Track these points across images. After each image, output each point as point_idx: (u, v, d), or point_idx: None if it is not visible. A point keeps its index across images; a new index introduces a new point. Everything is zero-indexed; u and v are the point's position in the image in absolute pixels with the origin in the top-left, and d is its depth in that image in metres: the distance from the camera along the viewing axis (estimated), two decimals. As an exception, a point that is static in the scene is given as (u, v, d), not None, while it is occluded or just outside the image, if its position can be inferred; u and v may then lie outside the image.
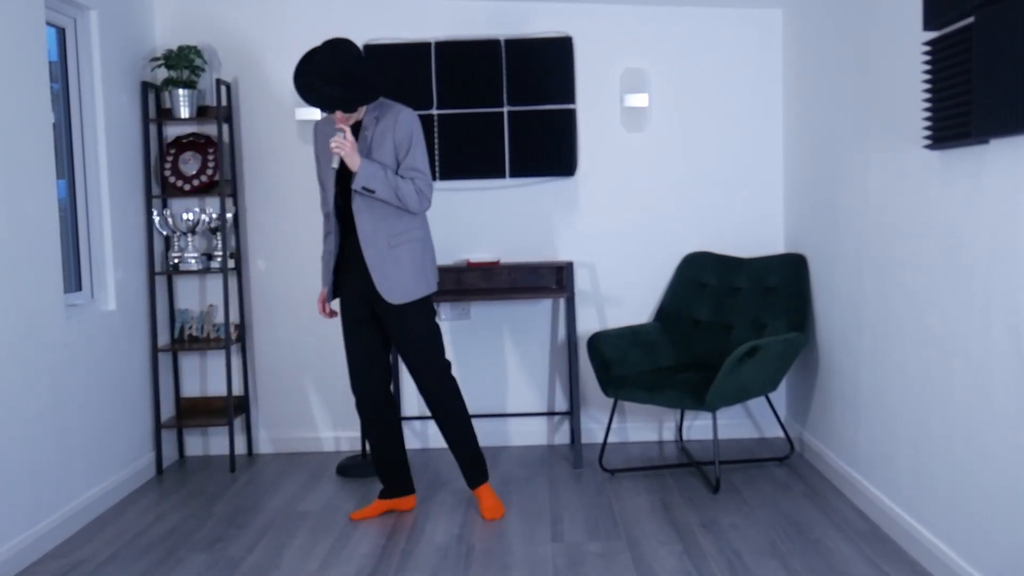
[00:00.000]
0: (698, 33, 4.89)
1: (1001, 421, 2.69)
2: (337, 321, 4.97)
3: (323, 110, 3.55)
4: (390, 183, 3.54)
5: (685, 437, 5.03)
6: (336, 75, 3.43)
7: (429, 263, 3.75)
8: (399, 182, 3.56)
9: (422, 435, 5.03)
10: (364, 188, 3.51)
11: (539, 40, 4.86)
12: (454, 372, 4.84)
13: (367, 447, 4.96)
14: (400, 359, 3.85)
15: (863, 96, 3.73)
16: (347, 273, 3.75)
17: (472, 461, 3.88)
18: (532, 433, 5.04)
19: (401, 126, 3.60)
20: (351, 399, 4.99)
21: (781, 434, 4.96)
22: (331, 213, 3.71)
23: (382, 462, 3.90)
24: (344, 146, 3.47)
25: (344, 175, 3.64)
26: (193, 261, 4.78)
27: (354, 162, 3.50)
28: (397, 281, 3.62)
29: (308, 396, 5.05)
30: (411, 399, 4.98)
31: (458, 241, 4.95)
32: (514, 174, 4.89)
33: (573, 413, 4.64)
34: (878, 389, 3.64)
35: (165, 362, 4.92)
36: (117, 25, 4.48)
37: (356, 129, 3.67)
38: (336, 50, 3.47)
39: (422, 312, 3.72)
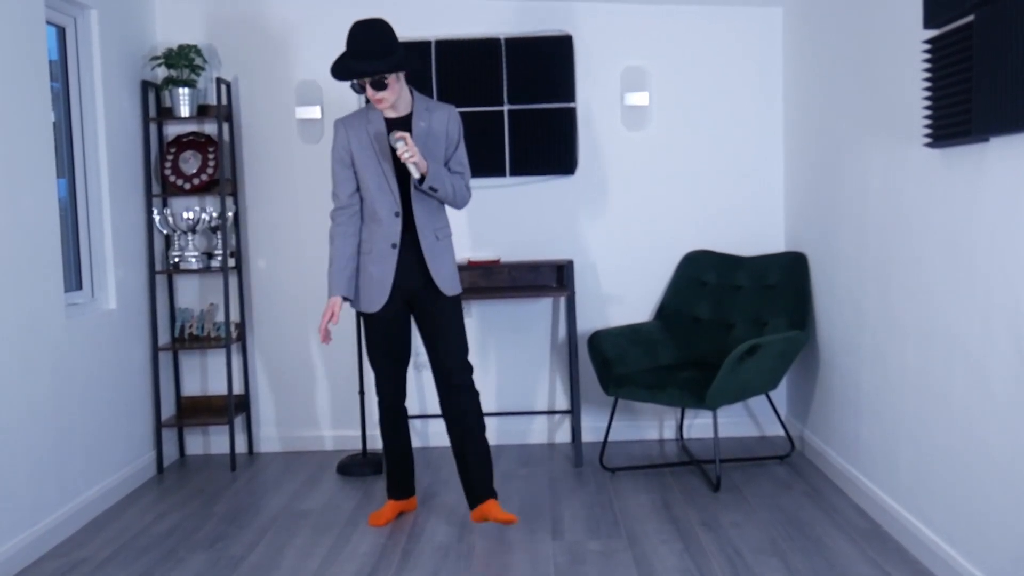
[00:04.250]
0: (698, 31, 4.89)
1: (1002, 419, 2.69)
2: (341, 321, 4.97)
3: (355, 86, 3.51)
4: (448, 182, 3.57)
5: (686, 435, 5.03)
6: (365, 49, 3.42)
7: (455, 260, 3.79)
8: (453, 179, 3.60)
9: (422, 434, 5.03)
10: (431, 188, 3.51)
11: (539, 39, 4.85)
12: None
13: (366, 446, 4.96)
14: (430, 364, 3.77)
15: (863, 94, 3.73)
16: (397, 271, 3.63)
17: (489, 474, 3.70)
18: (533, 431, 5.04)
19: (454, 122, 3.66)
20: (352, 398, 4.99)
21: (782, 432, 4.96)
22: (352, 208, 3.64)
23: (398, 466, 3.88)
24: (415, 152, 3.43)
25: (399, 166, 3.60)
26: (193, 260, 4.78)
27: (423, 165, 3.47)
28: (448, 272, 3.65)
29: (309, 395, 5.05)
30: (410, 398, 4.98)
31: (458, 240, 4.92)
32: (514, 173, 4.88)
33: (574, 411, 4.64)
34: (879, 387, 3.64)
35: (166, 361, 4.92)
36: (117, 24, 4.48)
37: (407, 121, 3.61)
38: (364, 27, 3.46)
39: (460, 307, 3.73)
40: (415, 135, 3.55)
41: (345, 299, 3.65)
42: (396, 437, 3.85)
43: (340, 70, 3.49)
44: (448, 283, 3.65)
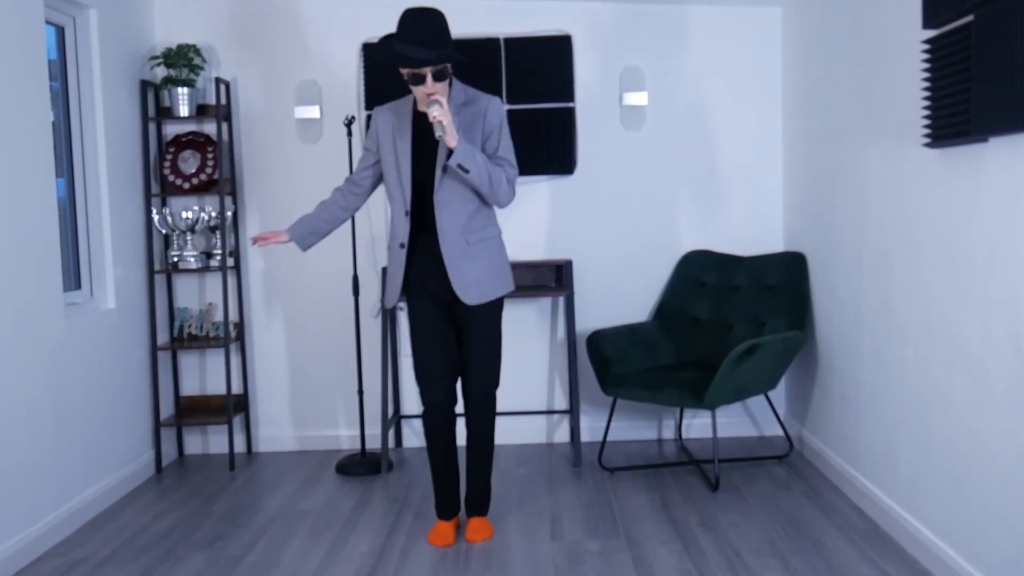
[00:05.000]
0: (697, 31, 4.89)
1: (1000, 419, 2.69)
2: (337, 319, 4.97)
3: (412, 79, 3.26)
4: (484, 167, 3.28)
5: (684, 435, 5.03)
6: (426, 36, 3.20)
7: (504, 261, 3.54)
8: (491, 167, 3.32)
9: (421, 434, 5.02)
10: (460, 166, 3.23)
11: (538, 38, 4.85)
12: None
13: (365, 446, 4.96)
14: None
15: (862, 94, 3.73)
16: (421, 272, 3.50)
17: (480, 491, 3.66)
18: (531, 431, 5.04)
19: (492, 114, 3.39)
20: (351, 398, 5.00)
21: (780, 432, 4.96)
22: (357, 185, 3.58)
23: (440, 479, 3.63)
24: (446, 115, 3.19)
25: (421, 162, 3.41)
26: (192, 260, 4.78)
27: (452, 138, 3.21)
28: (474, 281, 3.40)
29: (307, 395, 5.04)
30: (412, 397, 4.99)
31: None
32: (513, 172, 4.88)
33: (572, 411, 4.64)
34: (877, 387, 3.64)
35: (164, 360, 4.92)
36: (116, 23, 4.48)
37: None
38: (425, 13, 3.24)
39: (496, 316, 3.51)
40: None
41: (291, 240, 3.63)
42: (435, 444, 3.59)
43: (396, 56, 3.24)
44: (471, 292, 3.41)
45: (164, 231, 4.80)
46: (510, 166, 3.42)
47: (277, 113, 4.94)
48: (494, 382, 3.57)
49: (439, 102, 3.21)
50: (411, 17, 3.24)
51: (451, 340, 3.54)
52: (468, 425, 3.60)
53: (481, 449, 3.61)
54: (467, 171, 3.26)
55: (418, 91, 3.31)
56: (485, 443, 3.61)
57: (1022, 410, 2.58)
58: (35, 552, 3.59)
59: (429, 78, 3.24)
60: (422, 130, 3.41)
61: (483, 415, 3.58)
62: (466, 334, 3.51)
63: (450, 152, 3.27)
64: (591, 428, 4.97)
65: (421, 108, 3.38)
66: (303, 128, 4.94)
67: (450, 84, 3.41)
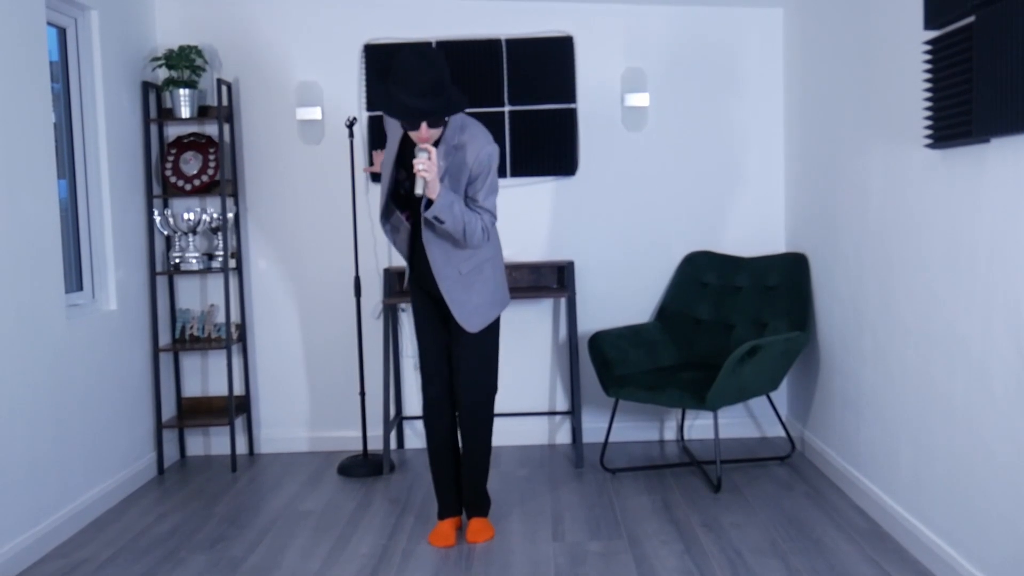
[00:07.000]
0: (699, 32, 4.89)
1: (1002, 420, 2.69)
2: (339, 320, 4.98)
3: (407, 126, 3.22)
4: (460, 219, 3.25)
5: (686, 436, 5.03)
6: (424, 86, 3.11)
7: (501, 281, 3.54)
8: (468, 217, 3.28)
9: (423, 435, 5.02)
10: (435, 218, 3.23)
11: (540, 39, 4.85)
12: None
13: (367, 447, 4.96)
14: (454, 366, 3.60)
15: (864, 95, 3.73)
16: (420, 272, 3.53)
17: (475, 495, 3.66)
18: (533, 432, 5.04)
19: (482, 161, 3.31)
20: (352, 399, 5.00)
21: (782, 433, 4.96)
22: (385, 210, 3.50)
23: (437, 476, 3.65)
24: (431, 170, 3.16)
25: (406, 180, 3.41)
26: (194, 261, 4.78)
27: (434, 190, 3.19)
28: (473, 310, 3.43)
29: (309, 396, 5.04)
30: (413, 398, 4.99)
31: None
32: (515, 174, 4.88)
33: (574, 412, 4.64)
34: (879, 388, 3.64)
35: (166, 362, 4.92)
36: (118, 25, 4.48)
37: (435, 143, 3.34)
38: (424, 58, 3.14)
39: (490, 330, 3.52)
40: (440, 153, 3.32)
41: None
42: (433, 440, 3.62)
43: (392, 105, 3.18)
44: (472, 320, 3.44)
45: (166, 232, 4.81)
46: (489, 214, 3.38)
47: (279, 114, 4.94)
48: (487, 391, 3.56)
49: (428, 152, 3.17)
50: (408, 62, 3.14)
51: (447, 339, 3.59)
52: (461, 432, 3.61)
53: (475, 455, 3.61)
54: (442, 222, 3.25)
55: (411, 134, 3.25)
56: (478, 450, 3.60)
57: (1023, 410, 2.58)
58: (37, 553, 3.59)
59: (424, 125, 3.19)
60: (410, 151, 3.35)
61: (475, 423, 3.57)
62: (459, 343, 3.52)
63: (429, 201, 3.23)
64: (593, 429, 4.97)
65: (412, 137, 3.30)
66: (305, 129, 4.94)
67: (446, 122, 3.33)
